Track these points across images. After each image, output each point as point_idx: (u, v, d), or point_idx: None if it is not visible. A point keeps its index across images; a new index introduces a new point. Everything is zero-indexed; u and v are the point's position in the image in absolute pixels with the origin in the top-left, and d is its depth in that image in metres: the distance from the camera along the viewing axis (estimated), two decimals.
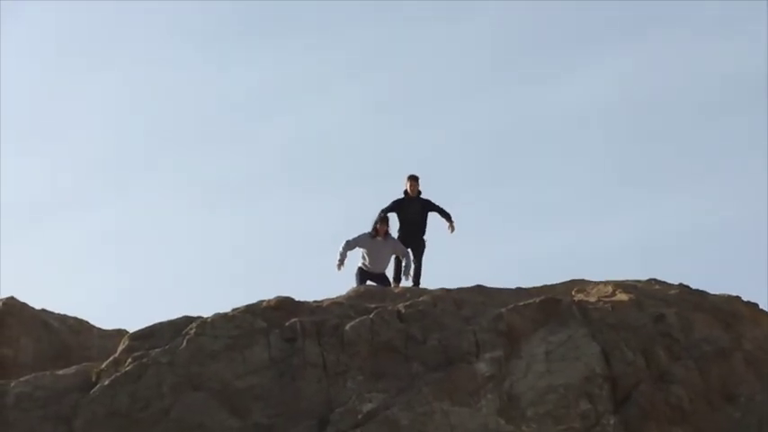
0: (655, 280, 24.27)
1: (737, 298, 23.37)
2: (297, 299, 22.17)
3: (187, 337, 21.11)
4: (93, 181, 72.45)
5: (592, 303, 22.36)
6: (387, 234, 24.38)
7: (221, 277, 57.18)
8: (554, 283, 24.10)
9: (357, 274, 24.74)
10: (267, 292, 22.67)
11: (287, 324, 21.20)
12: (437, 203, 24.79)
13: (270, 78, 74.68)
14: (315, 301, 22.37)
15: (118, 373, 20.64)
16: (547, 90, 69.74)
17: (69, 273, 58.24)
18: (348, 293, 23.01)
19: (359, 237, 24.60)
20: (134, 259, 63.26)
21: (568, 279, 24.27)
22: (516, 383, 20.22)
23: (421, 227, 24.79)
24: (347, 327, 20.93)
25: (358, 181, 65.82)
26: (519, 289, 23.61)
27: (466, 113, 71.54)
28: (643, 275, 24.50)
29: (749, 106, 68.70)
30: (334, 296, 22.83)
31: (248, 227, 67.37)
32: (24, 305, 23.87)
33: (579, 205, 64.65)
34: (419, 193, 24.74)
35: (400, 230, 24.63)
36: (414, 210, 24.72)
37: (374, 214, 24.18)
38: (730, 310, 22.82)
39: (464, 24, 75.91)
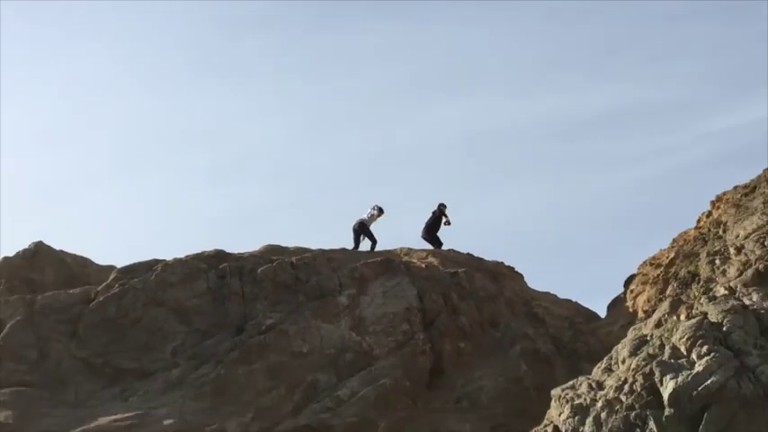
0: (453, 250, 26.77)
1: (502, 263, 26.26)
2: (227, 251, 24.85)
3: (155, 272, 23.77)
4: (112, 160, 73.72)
5: (413, 263, 24.99)
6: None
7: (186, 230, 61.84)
8: (390, 248, 26.81)
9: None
10: (207, 245, 25.48)
11: (219, 266, 23.94)
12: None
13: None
14: (239, 253, 24.93)
15: (108, 294, 23.40)
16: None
17: (88, 228, 63.34)
18: (260, 249, 25.48)
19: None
20: (128, 222, 67.34)
21: (400, 246, 26.96)
22: (363, 311, 22.93)
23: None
24: (259, 270, 23.71)
25: None
26: (367, 252, 26.52)
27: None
28: (445, 247, 27.36)
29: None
30: (252, 250, 25.44)
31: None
32: (49, 247, 26.34)
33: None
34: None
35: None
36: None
37: None
38: (497, 271, 25.62)
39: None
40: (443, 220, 27.85)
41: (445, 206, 28.09)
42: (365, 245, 27.97)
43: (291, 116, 76.66)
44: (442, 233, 28.05)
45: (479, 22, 74.98)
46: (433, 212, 28.02)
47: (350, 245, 27.41)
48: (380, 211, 28.17)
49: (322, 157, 73.78)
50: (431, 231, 27.69)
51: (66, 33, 77.42)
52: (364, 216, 28.01)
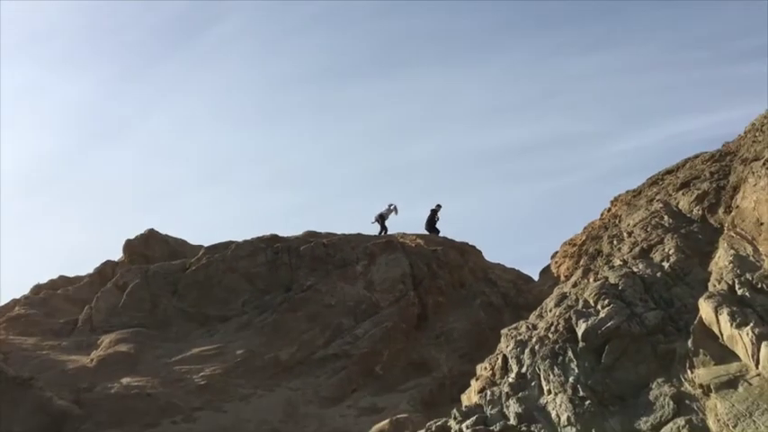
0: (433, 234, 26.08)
1: (467, 243, 26.08)
2: (279, 235, 24.71)
3: (230, 249, 23.70)
4: (202, 173, 74.04)
5: (407, 243, 24.93)
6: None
7: (251, 221, 63.70)
8: (391, 233, 26.73)
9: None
10: (265, 231, 25.10)
11: (274, 245, 23.95)
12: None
13: None
14: (287, 236, 24.87)
15: (199, 264, 23.37)
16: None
17: (185, 219, 65.72)
18: (302, 234, 25.23)
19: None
20: (211, 215, 68.54)
21: (398, 232, 26.94)
22: (373, 275, 22.82)
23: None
24: (301, 248, 23.69)
25: None
26: (376, 236, 26.34)
27: None
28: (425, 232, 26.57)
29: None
30: (296, 234, 25.24)
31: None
32: (158, 232, 26.31)
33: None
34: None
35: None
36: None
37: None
38: (463, 248, 25.50)
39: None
40: (436, 216, 27.41)
41: (440, 207, 27.69)
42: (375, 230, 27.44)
43: (324, 143, 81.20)
44: (439, 224, 27.74)
45: (447, 79, 78.18)
46: (432, 210, 27.56)
47: (364, 231, 27.03)
48: (396, 210, 27.98)
49: (344, 171, 77.97)
50: (430, 224, 27.30)
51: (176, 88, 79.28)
52: (383, 210, 27.73)
